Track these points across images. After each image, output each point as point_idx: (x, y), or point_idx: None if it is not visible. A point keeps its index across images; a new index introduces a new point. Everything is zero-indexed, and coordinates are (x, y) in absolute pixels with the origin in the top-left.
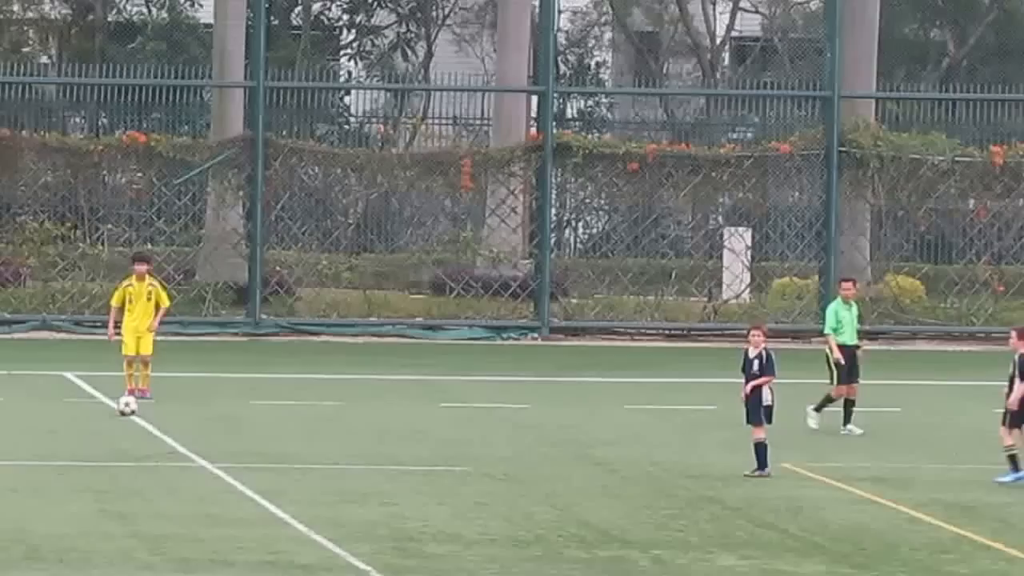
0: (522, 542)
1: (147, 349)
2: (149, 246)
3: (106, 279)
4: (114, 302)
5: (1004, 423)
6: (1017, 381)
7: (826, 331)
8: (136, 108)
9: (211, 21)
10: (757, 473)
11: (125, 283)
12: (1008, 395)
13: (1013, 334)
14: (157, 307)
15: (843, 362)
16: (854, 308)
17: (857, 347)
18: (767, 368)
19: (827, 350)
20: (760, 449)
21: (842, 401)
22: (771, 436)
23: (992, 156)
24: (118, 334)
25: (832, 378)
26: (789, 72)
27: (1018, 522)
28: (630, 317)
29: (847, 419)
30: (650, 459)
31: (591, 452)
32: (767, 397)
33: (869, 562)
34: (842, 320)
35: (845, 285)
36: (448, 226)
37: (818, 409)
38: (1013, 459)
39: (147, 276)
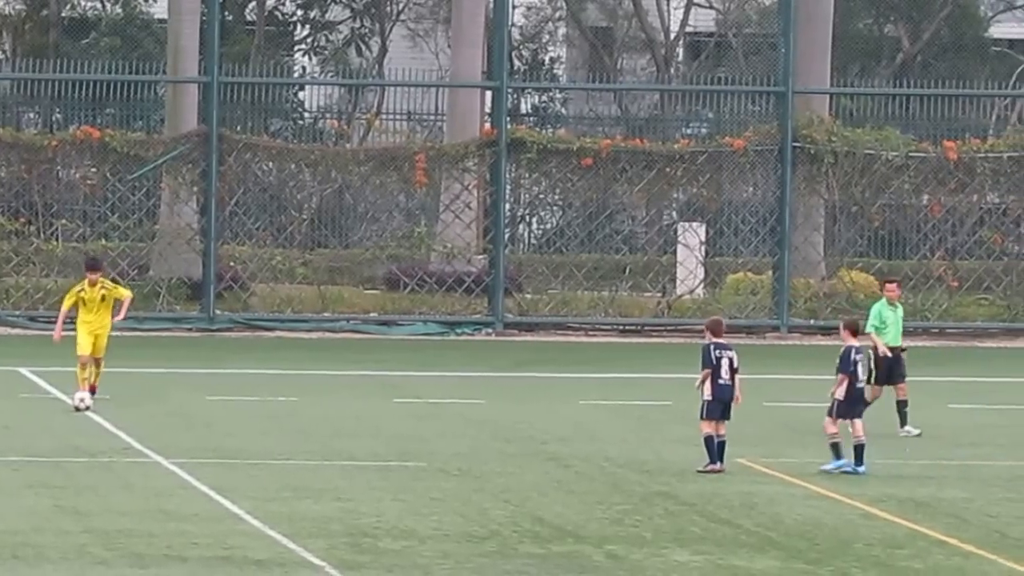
0: (476, 538)
1: (101, 351)
2: (103, 242)
3: (60, 275)
4: (64, 306)
5: (829, 414)
6: (840, 374)
7: (868, 329)
8: (90, 103)
9: (165, 16)
10: (709, 468)
11: (77, 288)
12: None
13: (841, 326)
14: (115, 304)
15: (889, 355)
16: (899, 309)
17: (902, 349)
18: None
19: (868, 351)
20: (710, 443)
21: (895, 404)
22: (727, 432)
23: (946, 151)
24: (65, 334)
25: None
26: (743, 67)
27: (972, 517)
28: (584, 313)
29: (903, 421)
30: (604, 455)
31: (545, 448)
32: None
33: (823, 558)
34: (886, 320)
35: (889, 286)
36: (402, 222)
37: (903, 419)
38: (835, 448)
39: (99, 280)
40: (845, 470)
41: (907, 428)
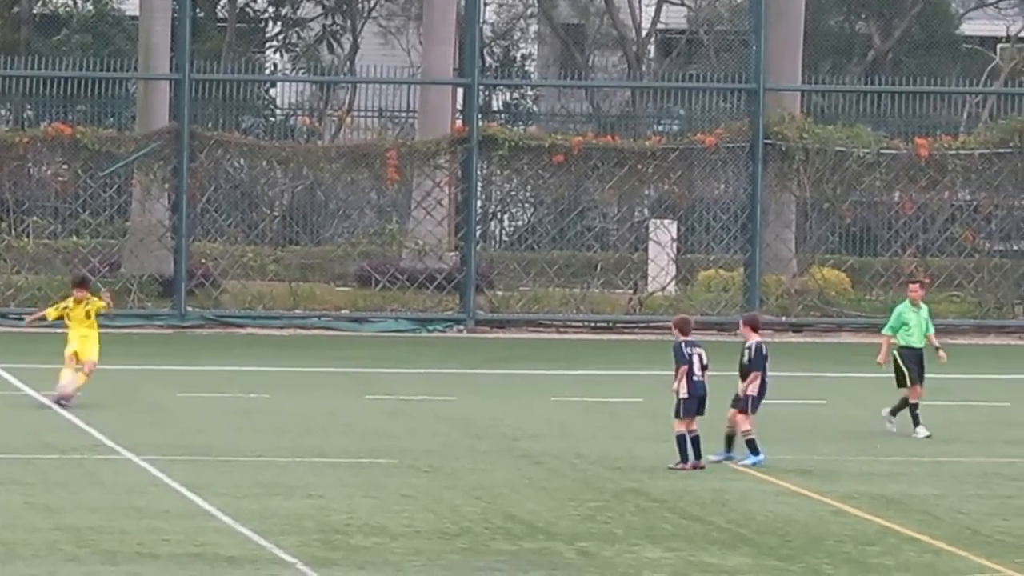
0: (448, 534)
1: (89, 354)
2: (75, 238)
3: (31, 271)
4: (49, 316)
5: (741, 410)
6: (751, 370)
7: (884, 331)
8: (61, 100)
9: (137, 13)
10: (680, 466)
11: (64, 304)
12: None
13: (741, 323)
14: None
15: (882, 363)
16: (923, 310)
17: (936, 348)
18: (755, 363)
19: (894, 352)
20: (683, 442)
21: (907, 404)
22: (699, 429)
23: (917, 148)
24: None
25: (901, 380)
26: (715, 64)
27: (943, 514)
28: (556, 309)
29: (916, 422)
30: (576, 451)
31: (517, 444)
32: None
33: (794, 554)
34: (908, 322)
35: (912, 287)
36: (374, 218)
37: (894, 412)
38: (751, 444)
39: (85, 297)
40: (746, 462)
41: (919, 429)
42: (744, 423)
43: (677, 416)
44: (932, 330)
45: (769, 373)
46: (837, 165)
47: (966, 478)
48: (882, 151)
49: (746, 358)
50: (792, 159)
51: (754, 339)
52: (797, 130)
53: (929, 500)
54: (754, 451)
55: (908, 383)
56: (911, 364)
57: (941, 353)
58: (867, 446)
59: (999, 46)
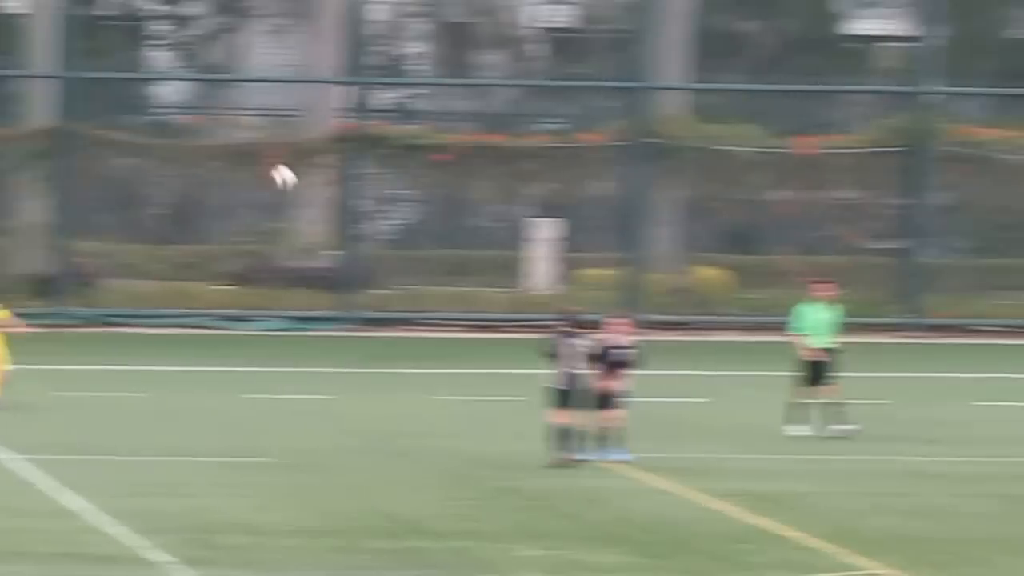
0: (323, 533)
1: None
2: None
3: None
4: None
5: (611, 407)
6: (604, 368)
7: (791, 330)
8: None
9: (20, 11)
10: (558, 459)
11: None
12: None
13: (611, 321)
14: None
15: (811, 358)
16: (830, 309)
17: (829, 349)
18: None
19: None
20: (560, 434)
21: (823, 405)
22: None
23: (799, 147)
24: None
25: (809, 380)
26: (602, 63)
27: (818, 512)
28: (437, 308)
29: (836, 419)
30: (453, 450)
31: (395, 443)
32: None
33: (668, 552)
34: (810, 321)
35: (815, 286)
36: (255, 217)
37: (828, 419)
38: (618, 440)
39: None
40: (616, 458)
41: (841, 426)
42: (614, 420)
43: (554, 406)
44: (839, 331)
45: (632, 372)
46: (720, 163)
47: (837, 476)
48: (766, 150)
49: (616, 357)
50: (676, 158)
51: (622, 338)
52: (682, 129)
53: (803, 498)
54: (619, 448)
55: (814, 383)
56: (816, 364)
57: (836, 356)
58: (745, 444)
59: (881, 45)
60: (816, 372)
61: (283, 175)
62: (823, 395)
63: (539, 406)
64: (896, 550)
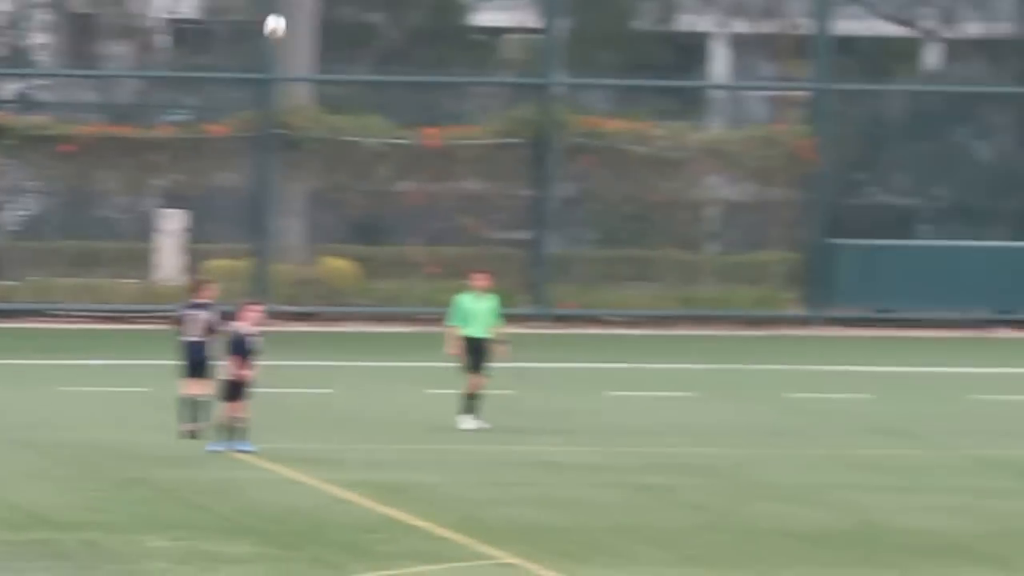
0: None
1: None
2: None
3: None
4: None
5: (235, 398)
6: (234, 356)
7: (448, 322)
8: None
9: None
10: (185, 428)
11: None
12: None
13: (240, 310)
14: None
15: (465, 347)
16: (487, 300)
17: (487, 340)
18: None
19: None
20: (186, 404)
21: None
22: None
23: (426, 138)
24: None
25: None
26: (228, 54)
27: (446, 502)
28: (64, 299)
29: (469, 410)
30: (81, 440)
31: (21, 434)
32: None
33: (297, 542)
34: (468, 312)
35: (473, 276)
36: None
37: (469, 412)
38: (242, 432)
39: None
40: (242, 449)
41: (470, 420)
42: (238, 410)
43: (183, 378)
44: (499, 322)
45: (257, 362)
46: (347, 154)
47: (471, 466)
48: (392, 141)
49: (250, 345)
50: (302, 149)
51: (246, 327)
52: (308, 119)
53: (432, 488)
54: (242, 439)
55: (468, 372)
56: (470, 354)
57: (502, 347)
58: (371, 434)
59: (507, 37)
60: (470, 361)
61: (273, 24)
62: (473, 386)
63: (166, 397)
64: (523, 539)
